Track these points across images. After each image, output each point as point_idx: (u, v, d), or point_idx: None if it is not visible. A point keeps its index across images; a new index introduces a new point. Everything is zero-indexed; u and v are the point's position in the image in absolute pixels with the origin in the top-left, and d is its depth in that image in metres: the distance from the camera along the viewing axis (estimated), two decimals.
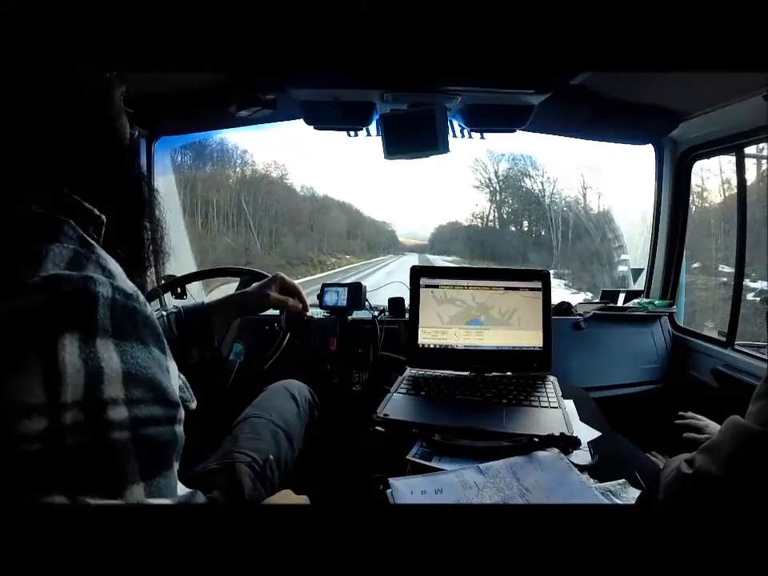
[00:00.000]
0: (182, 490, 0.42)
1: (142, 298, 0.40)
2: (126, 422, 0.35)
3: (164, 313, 0.88)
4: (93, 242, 0.42)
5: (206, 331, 0.87)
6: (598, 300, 1.65)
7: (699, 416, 1.03)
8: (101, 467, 0.34)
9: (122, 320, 0.37)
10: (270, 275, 1.22)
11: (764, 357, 1.20)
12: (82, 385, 0.33)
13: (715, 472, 0.57)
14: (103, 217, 0.46)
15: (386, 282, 1.60)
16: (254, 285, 0.99)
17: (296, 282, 1.01)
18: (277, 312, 1.15)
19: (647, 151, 1.58)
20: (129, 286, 0.40)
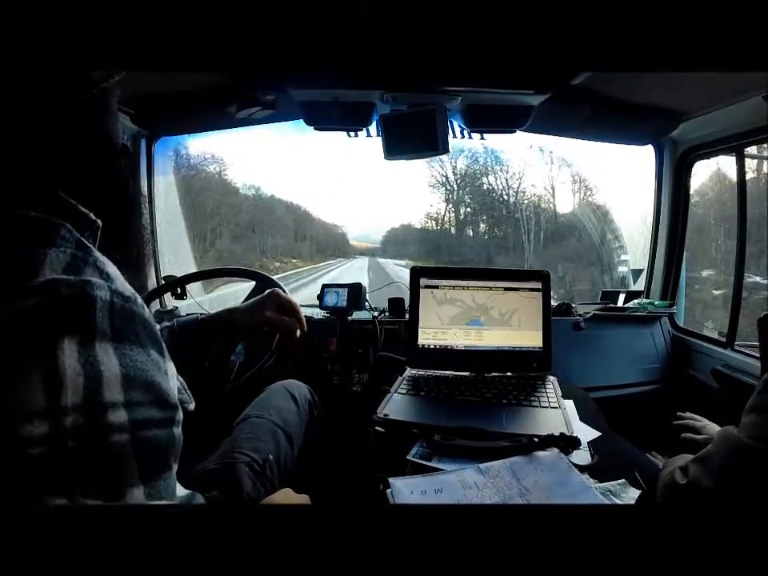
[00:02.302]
0: (181, 491, 0.42)
1: (140, 300, 0.41)
2: (125, 424, 0.35)
3: (158, 327, 0.85)
4: (90, 245, 0.42)
5: (199, 348, 0.84)
6: (597, 300, 1.65)
7: (697, 416, 1.03)
8: (101, 470, 0.34)
9: (120, 323, 0.37)
10: (274, 279, 1.23)
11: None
12: (81, 388, 0.33)
13: (708, 484, 0.58)
14: (99, 222, 0.46)
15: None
16: (248, 301, 0.90)
17: (290, 298, 0.89)
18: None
19: (647, 151, 1.58)
20: (127, 288, 0.40)
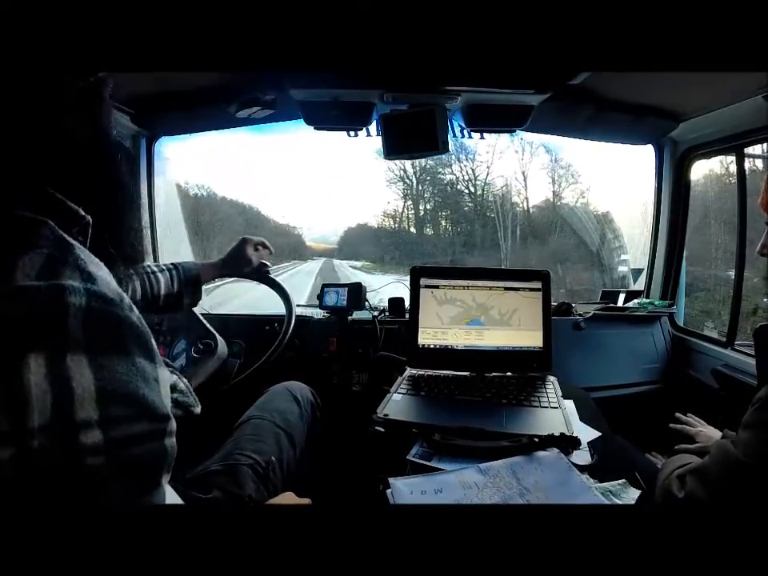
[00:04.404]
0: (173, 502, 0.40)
1: (126, 302, 0.37)
2: (100, 445, 0.32)
3: (164, 268, 1.05)
4: (75, 242, 0.39)
5: (200, 289, 1.11)
6: (597, 300, 1.65)
7: (694, 420, 1.03)
8: (75, 495, 0.32)
9: (98, 330, 0.34)
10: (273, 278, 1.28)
11: None
12: (49, 408, 0.31)
13: (703, 497, 0.59)
14: (89, 217, 0.43)
15: (272, 299, 1.39)
16: (230, 250, 1.19)
17: None
18: (273, 312, 1.18)
19: (647, 150, 1.58)
20: (111, 290, 0.37)
